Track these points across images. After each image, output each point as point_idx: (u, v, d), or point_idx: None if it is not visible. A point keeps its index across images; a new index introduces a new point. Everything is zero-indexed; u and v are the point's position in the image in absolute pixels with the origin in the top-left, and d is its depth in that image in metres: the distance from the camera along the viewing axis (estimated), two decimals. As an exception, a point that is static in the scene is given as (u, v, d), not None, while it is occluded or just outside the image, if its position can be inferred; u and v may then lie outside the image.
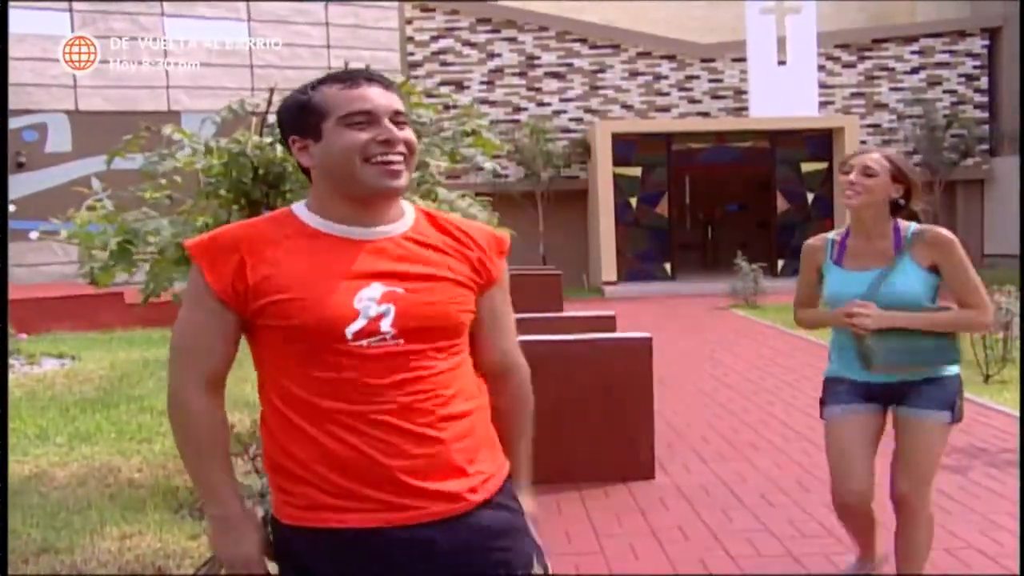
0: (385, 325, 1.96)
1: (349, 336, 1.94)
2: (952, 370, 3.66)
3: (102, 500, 5.52)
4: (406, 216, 2.10)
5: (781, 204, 21.17)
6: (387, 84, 2.05)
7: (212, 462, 2.05)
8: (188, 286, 2.08)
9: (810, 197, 21.09)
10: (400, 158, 2.00)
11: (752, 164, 21.27)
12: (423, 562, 1.98)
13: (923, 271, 3.58)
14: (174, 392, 2.07)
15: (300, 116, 2.04)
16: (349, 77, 2.03)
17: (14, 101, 17.37)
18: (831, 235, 3.80)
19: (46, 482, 5.91)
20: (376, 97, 2.00)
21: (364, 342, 1.95)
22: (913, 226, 3.65)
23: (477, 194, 8.23)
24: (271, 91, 4.96)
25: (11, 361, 9.77)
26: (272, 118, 5.17)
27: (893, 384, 3.65)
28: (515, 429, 2.28)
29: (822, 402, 3.82)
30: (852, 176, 3.59)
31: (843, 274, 3.66)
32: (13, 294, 13.35)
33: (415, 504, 1.97)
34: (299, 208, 2.07)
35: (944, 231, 3.66)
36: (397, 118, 2.02)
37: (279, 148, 4.88)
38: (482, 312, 2.16)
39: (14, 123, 17.50)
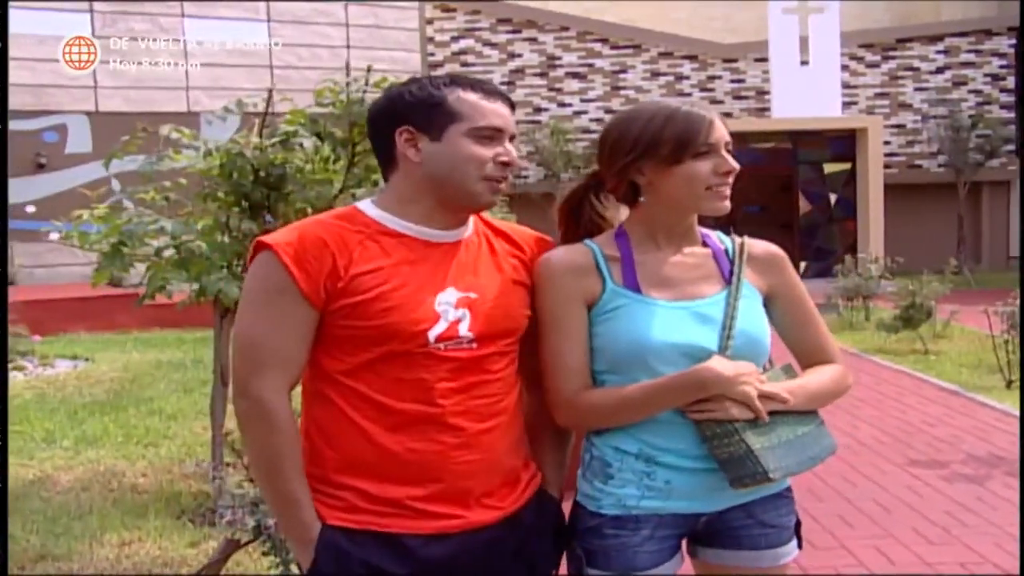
0: (463, 329, 2.00)
1: (431, 340, 1.97)
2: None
3: (104, 505, 5.48)
4: (469, 220, 2.13)
5: (803, 205, 20.97)
6: (513, 107, 2.09)
7: (296, 472, 1.98)
8: (259, 283, 1.98)
9: (833, 198, 20.90)
10: (507, 179, 2.04)
11: (774, 165, 21.06)
12: (461, 569, 2.02)
13: (761, 302, 2.24)
14: (257, 399, 1.95)
15: (428, 110, 2.00)
16: (490, 89, 2.05)
17: (35, 102, 17.46)
18: (594, 244, 2.22)
19: (49, 487, 5.88)
20: (507, 117, 2.05)
21: (443, 345, 1.98)
22: (719, 233, 2.32)
23: (494, 194, 8.20)
24: (270, 92, 4.90)
25: (24, 363, 9.77)
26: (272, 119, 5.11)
27: (728, 510, 2.18)
28: (549, 434, 2.26)
29: (588, 563, 2.14)
30: (725, 158, 2.14)
31: (656, 307, 2.11)
32: (31, 295, 13.43)
33: (460, 513, 2.01)
34: (368, 207, 2.06)
35: (767, 242, 2.35)
36: (513, 141, 2.07)
37: (280, 149, 4.81)
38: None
39: (34, 124, 17.58)
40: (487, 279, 2.07)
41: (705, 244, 2.26)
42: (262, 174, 4.83)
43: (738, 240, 2.27)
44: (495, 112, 2.02)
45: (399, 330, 1.94)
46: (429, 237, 2.04)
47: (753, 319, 2.17)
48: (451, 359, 1.99)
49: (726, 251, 2.26)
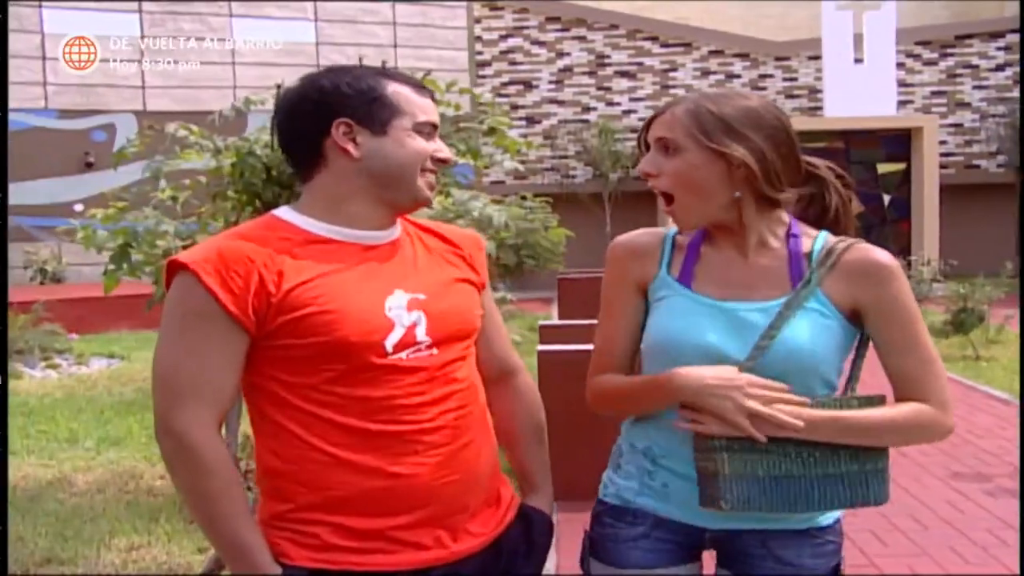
0: (421, 333, 1.84)
1: (389, 348, 1.80)
2: (835, 514, 2.01)
3: (118, 508, 5.41)
4: (397, 219, 1.98)
5: (856, 206, 20.52)
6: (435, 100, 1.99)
7: (239, 515, 1.76)
8: (178, 307, 1.77)
9: (886, 199, 20.48)
10: (437, 175, 1.96)
11: (826, 165, 20.75)
12: None
13: (837, 317, 1.91)
14: (182, 436, 1.73)
15: (368, 103, 1.84)
16: (418, 84, 1.92)
17: (83, 102, 17.65)
18: (669, 231, 2.06)
19: (66, 488, 5.83)
20: (436, 113, 1.94)
21: (403, 354, 1.81)
22: (823, 235, 1.99)
23: (537, 195, 8.01)
24: (278, 87, 4.76)
25: (59, 361, 9.79)
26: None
27: (740, 533, 1.97)
28: (530, 434, 2.15)
29: (591, 552, 2.07)
30: (646, 161, 1.96)
31: (695, 303, 1.94)
32: (75, 293, 13.49)
33: (446, 543, 1.86)
34: (290, 214, 1.87)
35: (880, 251, 1.96)
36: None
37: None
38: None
39: (84, 123, 17.80)
40: (431, 278, 1.91)
41: (794, 240, 1.98)
42: (274, 173, 4.71)
43: (829, 243, 1.96)
44: (430, 108, 1.90)
45: (352, 342, 1.75)
46: (364, 240, 1.87)
47: (806, 333, 1.87)
48: (417, 369, 1.82)
49: (809, 254, 1.96)
